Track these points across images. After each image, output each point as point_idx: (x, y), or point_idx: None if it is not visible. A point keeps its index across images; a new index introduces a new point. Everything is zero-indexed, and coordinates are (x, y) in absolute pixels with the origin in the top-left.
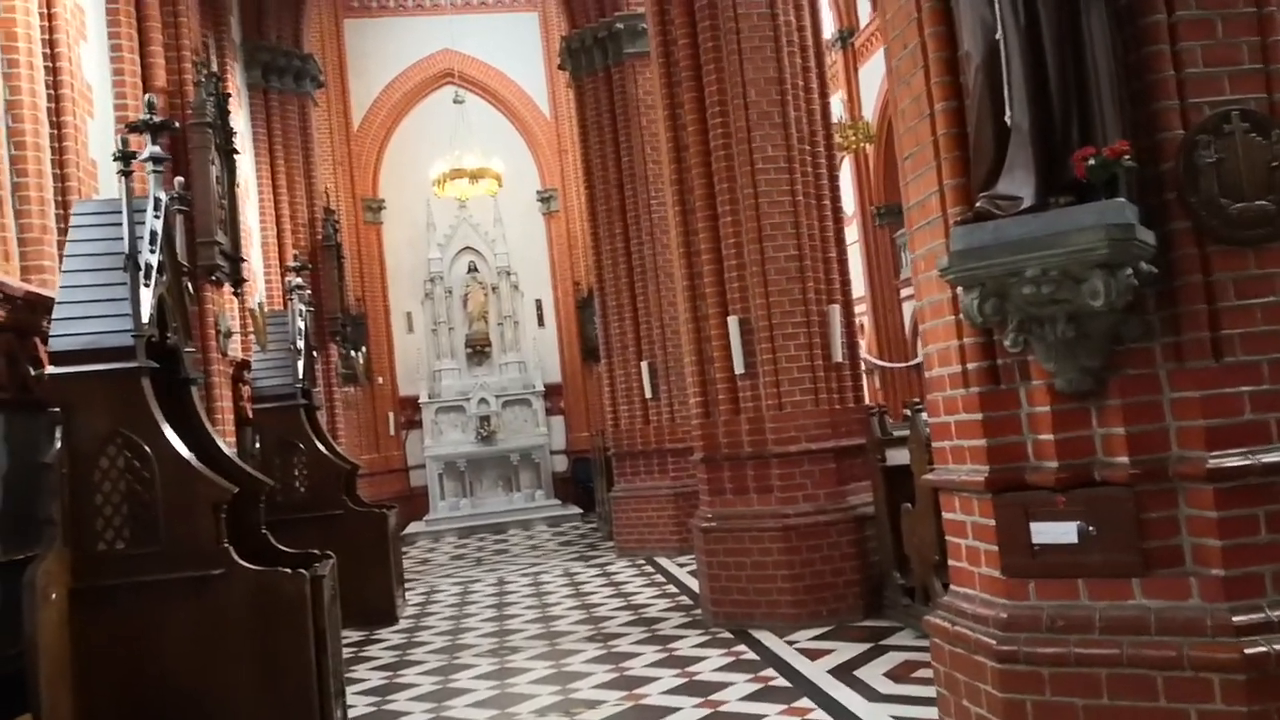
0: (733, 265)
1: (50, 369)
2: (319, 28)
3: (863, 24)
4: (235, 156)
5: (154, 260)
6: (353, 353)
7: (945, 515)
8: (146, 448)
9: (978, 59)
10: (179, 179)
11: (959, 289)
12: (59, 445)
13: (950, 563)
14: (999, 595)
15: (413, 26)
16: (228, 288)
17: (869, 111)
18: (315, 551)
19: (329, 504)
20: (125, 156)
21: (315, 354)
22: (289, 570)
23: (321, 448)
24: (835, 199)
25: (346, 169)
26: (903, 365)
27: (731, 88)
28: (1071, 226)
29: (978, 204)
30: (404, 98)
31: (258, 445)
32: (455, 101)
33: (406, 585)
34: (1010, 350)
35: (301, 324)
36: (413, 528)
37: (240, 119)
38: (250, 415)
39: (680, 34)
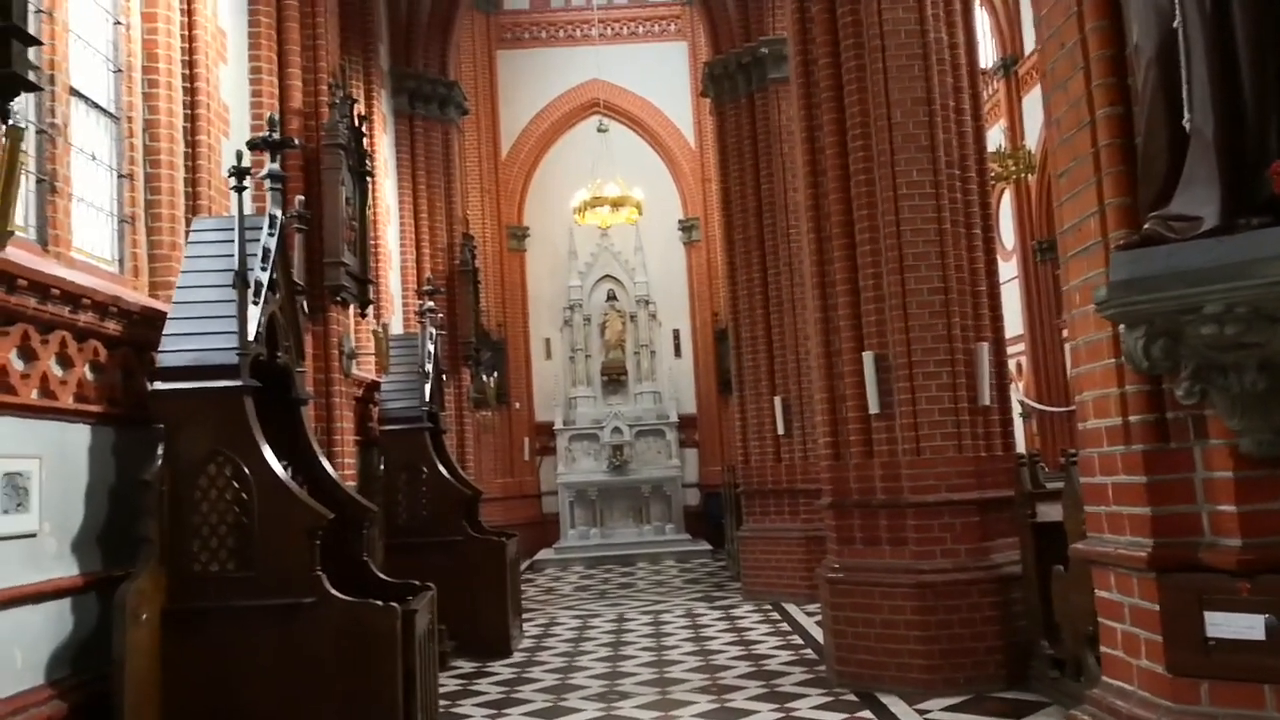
0: (870, 297)
1: (156, 384)
2: (472, 58)
3: (1027, 50)
4: (369, 179)
5: (264, 278)
6: (484, 377)
7: (1099, 593)
8: (245, 468)
9: (1150, 52)
10: (299, 198)
11: (1121, 327)
12: (160, 462)
13: (1103, 649)
14: (1162, 696)
15: (562, 57)
16: (354, 309)
17: (1031, 143)
18: (415, 583)
19: (449, 529)
20: (239, 173)
21: (445, 377)
22: (380, 603)
23: (444, 472)
24: (987, 228)
25: (493, 196)
26: (1063, 410)
27: (875, 108)
28: (1269, 253)
29: (1146, 226)
30: (552, 127)
31: (382, 467)
32: (599, 130)
33: (527, 616)
34: (1183, 402)
35: (431, 347)
36: (542, 554)
37: (384, 144)
38: (377, 437)
39: (821, 52)
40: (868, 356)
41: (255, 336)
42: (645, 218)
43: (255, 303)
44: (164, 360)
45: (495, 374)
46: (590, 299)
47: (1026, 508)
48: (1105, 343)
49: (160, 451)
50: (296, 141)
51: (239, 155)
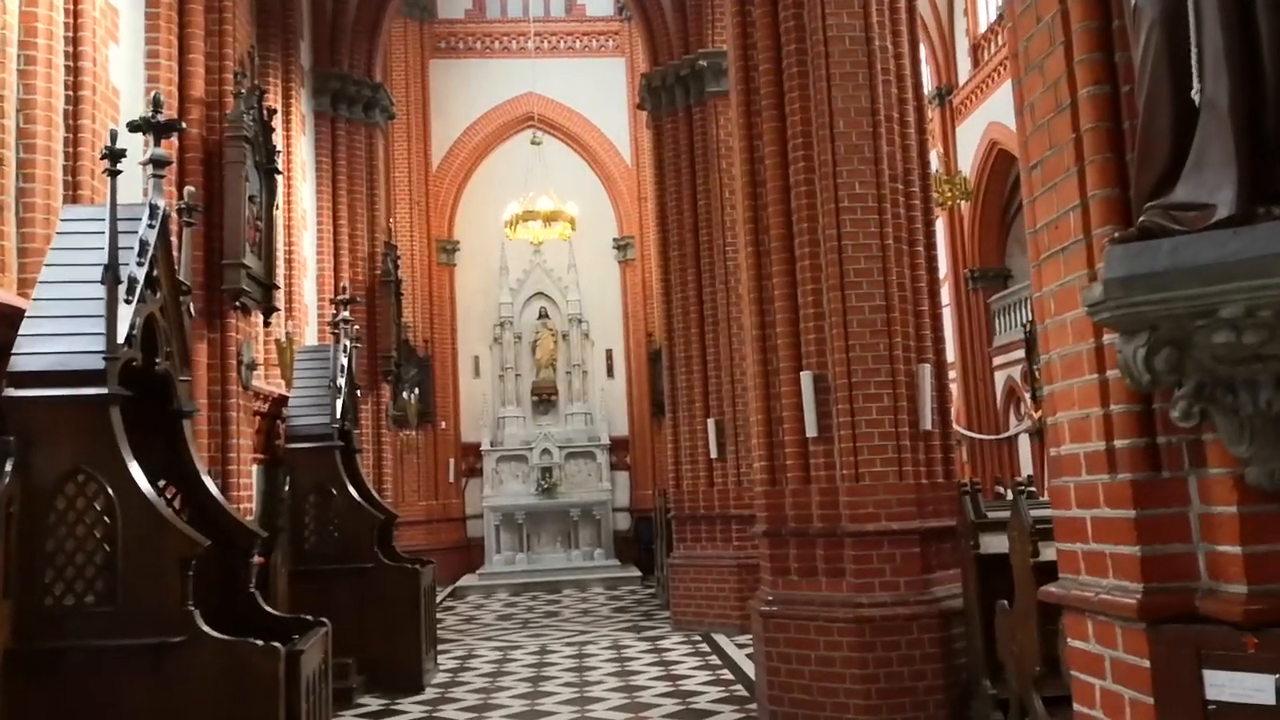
0: (809, 315)
1: (8, 391)
2: (404, 66)
3: (961, 80)
4: (278, 176)
5: (140, 274)
6: (405, 394)
7: (1073, 642)
8: (110, 488)
9: (1153, 12)
10: (190, 189)
11: (1117, 335)
12: (8, 480)
13: (1078, 707)
14: None
15: (498, 68)
16: (257, 316)
17: (966, 172)
18: (308, 618)
19: (359, 556)
20: (113, 155)
21: (360, 393)
22: (260, 643)
23: (355, 494)
24: (930, 246)
25: (423, 209)
26: (994, 438)
27: (817, 117)
28: None
29: (1143, 218)
30: (485, 140)
31: (287, 488)
32: (533, 143)
33: (444, 647)
34: (1179, 424)
35: (344, 360)
36: (465, 580)
37: (303, 145)
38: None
39: (763, 58)
40: (806, 377)
41: (127, 339)
42: (580, 235)
43: (128, 301)
44: (18, 364)
45: (417, 391)
46: (521, 316)
47: (969, 538)
48: (1086, 355)
49: (9, 468)
50: (183, 124)
51: (113, 136)
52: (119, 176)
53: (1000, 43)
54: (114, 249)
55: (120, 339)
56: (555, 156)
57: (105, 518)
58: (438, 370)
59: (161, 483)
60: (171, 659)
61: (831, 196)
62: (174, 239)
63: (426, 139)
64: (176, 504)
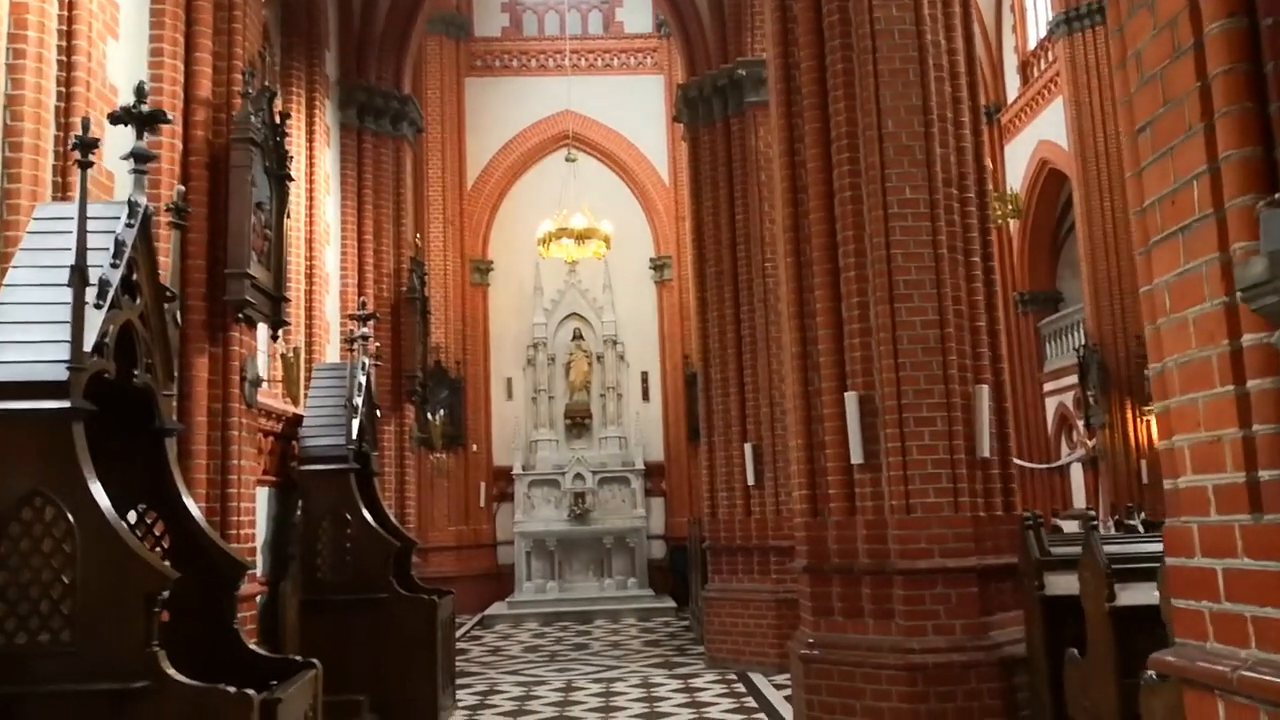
0: (855, 330)
1: None
2: (439, 84)
3: (1010, 98)
4: (289, 183)
5: (114, 277)
6: (429, 416)
7: None
8: (69, 514)
9: None
10: (180, 188)
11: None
12: None
13: None
14: None
15: (534, 86)
16: (263, 330)
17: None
18: (296, 658)
19: (374, 585)
20: (85, 145)
21: (381, 414)
22: (232, 689)
23: (370, 520)
24: (988, 256)
25: (457, 228)
26: (1045, 466)
27: (864, 117)
28: None
29: None
30: (520, 158)
31: (299, 513)
32: (568, 159)
33: (465, 681)
34: None
35: (362, 378)
36: (494, 609)
37: (327, 158)
38: (294, 478)
39: (805, 54)
40: (851, 398)
41: (97, 348)
42: (615, 255)
43: (99, 306)
44: None
45: (443, 413)
46: (555, 338)
47: (1034, 578)
48: (1217, 361)
49: None
50: (169, 116)
51: (84, 124)
52: (116, 176)
53: (1050, 58)
54: (82, 248)
55: (87, 347)
56: (591, 175)
57: (64, 546)
58: (470, 392)
59: (142, 507)
60: (131, 707)
61: (879, 202)
62: (164, 243)
63: (461, 158)
64: (157, 530)
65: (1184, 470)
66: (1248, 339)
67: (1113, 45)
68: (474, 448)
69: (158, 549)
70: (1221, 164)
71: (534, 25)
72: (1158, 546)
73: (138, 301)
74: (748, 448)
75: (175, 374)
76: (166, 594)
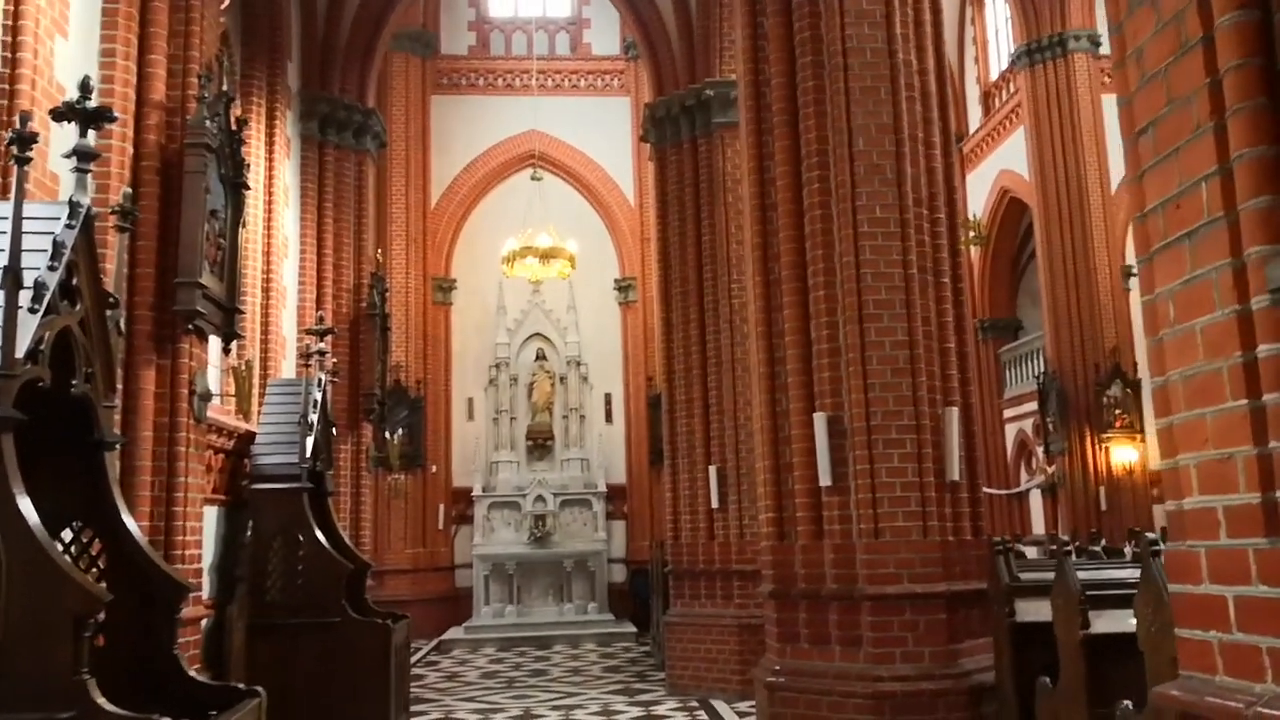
0: (824, 350)
1: None
2: (404, 102)
3: (972, 128)
4: (245, 192)
5: (51, 279)
6: (387, 434)
7: None
8: None
9: None
10: (126, 189)
11: None
12: None
13: None
14: None
15: (500, 106)
16: (215, 342)
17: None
18: (240, 686)
19: (326, 609)
20: (22, 140)
21: (335, 431)
22: None
23: (323, 541)
24: (958, 278)
25: (420, 246)
26: (1006, 492)
27: (835, 134)
28: None
29: None
30: (485, 177)
31: (249, 534)
32: (533, 178)
33: (420, 709)
34: None
35: (318, 395)
36: (451, 633)
37: (287, 170)
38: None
39: (775, 71)
40: (819, 419)
41: (30, 354)
42: (580, 276)
43: (34, 310)
44: None
45: (402, 432)
46: (518, 358)
47: (1004, 605)
48: (1228, 374)
49: None
50: (115, 114)
51: (22, 118)
52: (61, 179)
53: (1012, 90)
54: (16, 248)
55: (20, 353)
56: (557, 196)
57: None
58: (430, 412)
59: (78, 525)
60: None
61: (849, 221)
62: (110, 249)
63: (426, 176)
64: (94, 550)
65: (1190, 490)
66: (1264, 349)
67: (1111, 45)
68: (433, 468)
69: (93, 570)
70: (1234, 164)
71: (501, 45)
72: (1128, 573)
73: (77, 307)
74: (712, 470)
75: (118, 385)
76: (100, 617)
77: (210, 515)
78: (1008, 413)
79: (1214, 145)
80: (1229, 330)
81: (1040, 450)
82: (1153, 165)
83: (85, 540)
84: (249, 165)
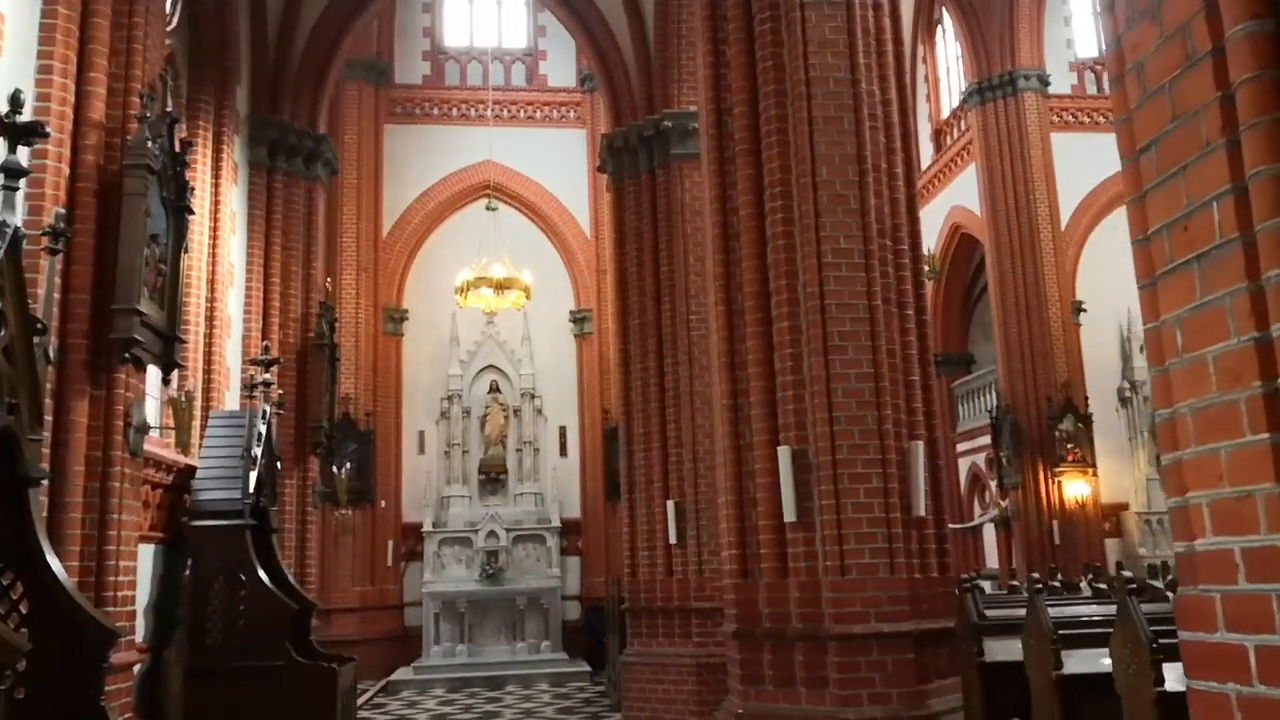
0: (788, 382)
1: None
2: (357, 130)
3: (924, 165)
4: (188, 216)
5: None
6: (335, 469)
7: None
8: None
9: None
10: (58, 210)
11: None
12: None
13: None
14: None
15: (455, 135)
16: (154, 372)
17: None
18: None
19: (268, 652)
20: None
21: (280, 465)
22: None
23: (266, 580)
24: (921, 310)
25: (371, 276)
26: (959, 527)
27: (798, 164)
28: None
29: None
30: (439, 207)
31: (188, 573)
32: (488, 208)
33: None
34: None
35: (262, 428)
36: (400, 674)
37: (234, 196)
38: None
39: (738, 99)
40: (784, 452)
41: None
42: (535, 307)
43: None
44: None
45: (349, 466)
46: (471, 390)
47: (972, 644)
48: (1247, 406)
49: None
50: (47, 129)
51: None
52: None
53: (964, 127)
54: None
55: None
56: (512, 226)
57: None
58: (379, 445)
59: None
60: None
61: (813, 251)
62: (40, 273)
63: (378, 204)
64: (15, 593)
65: (1202, 531)
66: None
67: (1108, 61)
68: (382, 503)
69: (13, 615)
70: (1249, 182)
71: (456, 75)
72: (1093, 609)
73: (2, 333)
74: (670, 505)
75: (47, 416)
76: (20, 667)
77: (146, 554)
78: (960, 446)
79: (1226, 162)
80: (1246, 358)
81: (994, 484)
82: (1156, 185)
83: (5, 583)
84: (193, 189)
